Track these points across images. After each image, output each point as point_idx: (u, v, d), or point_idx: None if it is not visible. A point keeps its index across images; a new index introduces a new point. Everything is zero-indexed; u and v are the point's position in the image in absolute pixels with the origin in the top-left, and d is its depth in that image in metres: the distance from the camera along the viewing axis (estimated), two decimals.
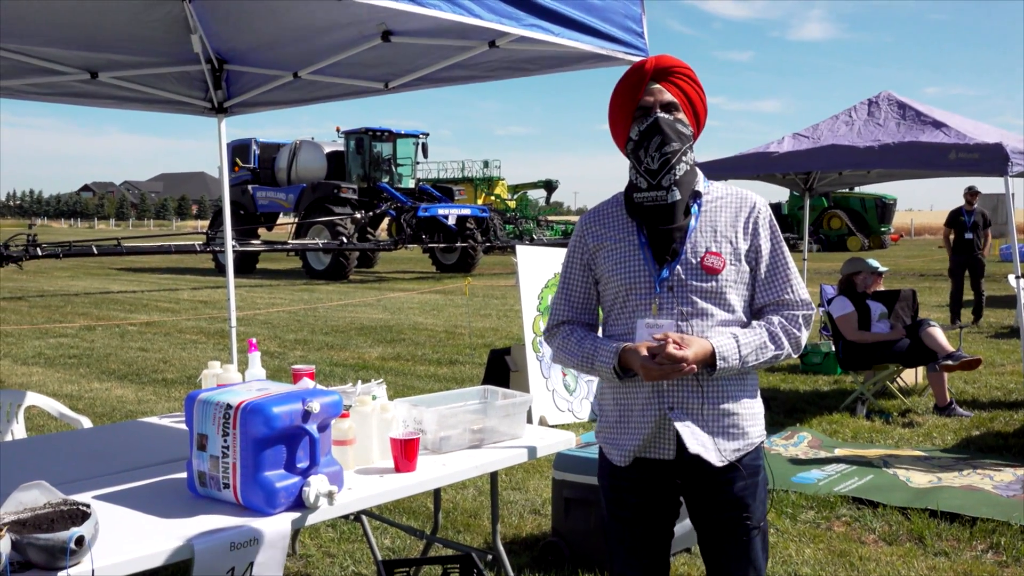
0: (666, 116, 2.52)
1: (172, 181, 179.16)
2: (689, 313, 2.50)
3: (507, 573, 3.70)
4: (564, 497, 4.47)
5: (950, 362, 7.48)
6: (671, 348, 2.39)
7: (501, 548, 3.71)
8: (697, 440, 2.50)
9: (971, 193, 13.12)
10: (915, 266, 28.05)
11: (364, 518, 4.27)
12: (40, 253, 19.86)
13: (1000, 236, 27.44)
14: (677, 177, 2.53)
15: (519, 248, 8.04)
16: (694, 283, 2.51)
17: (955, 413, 7.67)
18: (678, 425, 2.49)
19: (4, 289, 21.04)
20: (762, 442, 2.63)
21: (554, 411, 7.56)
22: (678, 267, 2.51)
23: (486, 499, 5.44)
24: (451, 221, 25.88)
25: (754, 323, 2.56)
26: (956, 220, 13.25)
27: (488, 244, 27.58)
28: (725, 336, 2.49)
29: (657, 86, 2.56)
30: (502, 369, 8.06)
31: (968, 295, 13.51)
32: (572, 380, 7.78)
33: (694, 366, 2.41)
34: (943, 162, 7.37)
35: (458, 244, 26.33)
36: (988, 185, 13.34)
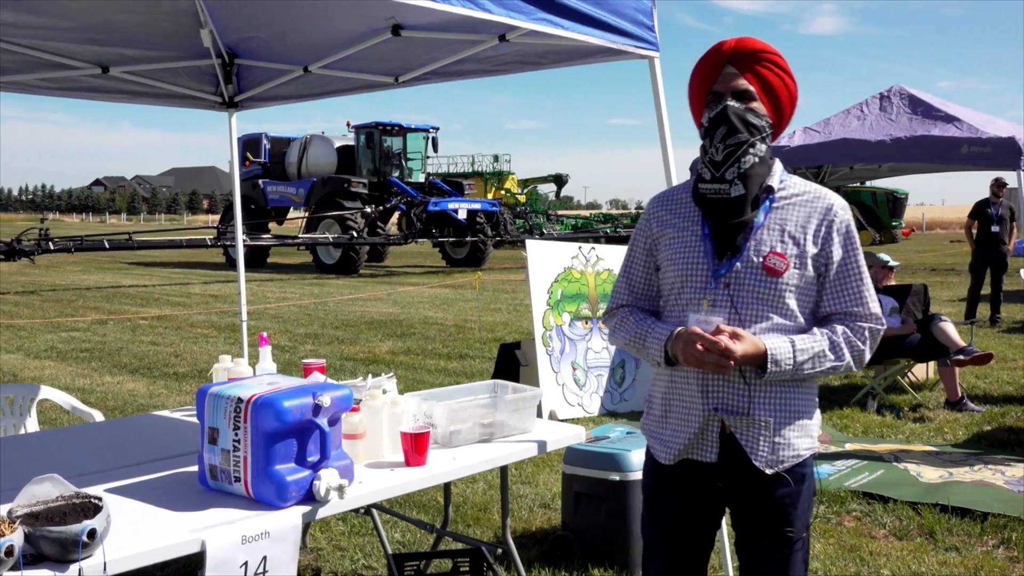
0: (736, 105, 2.39)
1: (183, 175, 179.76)
2: (744, 314, 2.37)
3: (517, 567, 3.70)
4: (574, 491, 4.47)
5: (961, 357, 7.45)
6: (722, 338, 2.29)
7: (511, 542, 3.72)
8: (726, 449, 2.41)
9: (998, 185, 12.52)
10: (927, 261, 27.94)
11: (374, 512, 4.28)
12: (52, 247, 19.99)
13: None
14: (742, 170, 2.38)
15: (529, 242, 8.03)
16: (752, 283, 2.37)
17: (966, 408, 7.65)
18: (728, 421, 2.39)
19: (17, 283, 21.14)
20: (811, 455, 2.48)
21: (564, 405, 7.56)
22: (737, 264, 2.38)
23: (496, 493, 5.44)
24: (461, 215, 25.89)
25: (815, 330, 2.41)
26: (982, 212, 12.61)
27: (498, 238, 27.57)
28: (781, 339, 2.35)
29: (732, 71, 2.42)
30: (512, 363, 8.07)
31: (985, 290, 13.02)
32: (582, 374, 7.78)
33: (732, 361, 2.30)
34: (955, 156, 7.34)
35: (468, 238, 26.35)
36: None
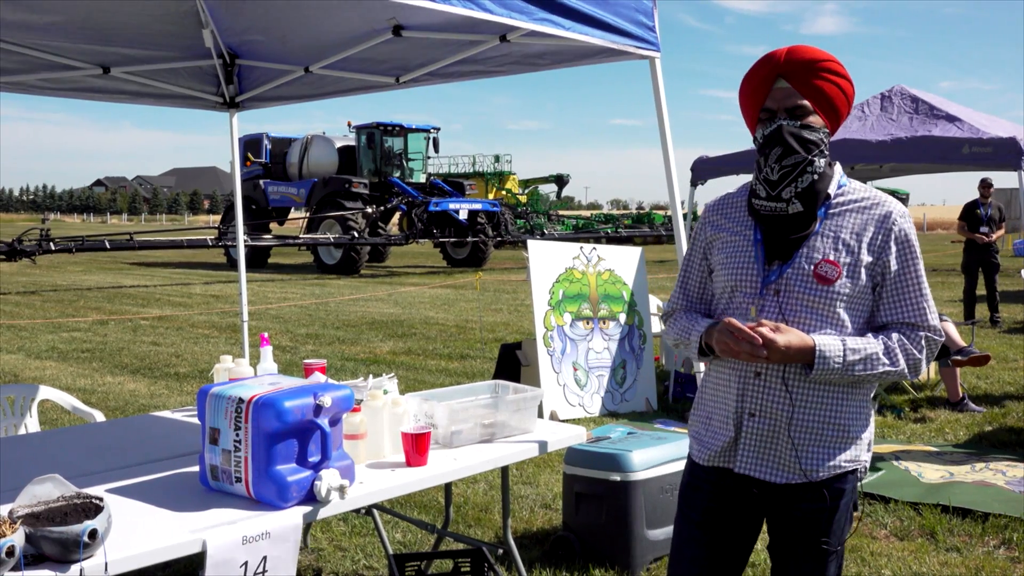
0: (790, 124, 2.30)
1: (184, 176, 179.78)
2: (792, 322, 2.29)
3: (518, 567, 3.70)
4: (575, 492, 4.47)
5: (960, 357, 7.45)
6: (762, 330, 2.21)
7: (512, 542, 3.72)
8: (758, 458, 2.35)
9: (985, 186, 12.50)
10: (927, 261, 27.82)
11: (375, 512, 4.28)
12: (53, 247, 19.98)
13: (1014, 231, 27.27)
14: (800, 189, 2.30)
15: (530, 243, 8.04)
16: (801, 291, 2.29)
17: (967, 408, 7.64)
18: (744, 439, 2.35)
19: (18, 283, 21.15)
20: (856, 470, 2.38)
21: (565, 406, 7.56)
22: (788, 271, 2.31)
23: (497, 493, 5.44)
24: (462, 216, 25.90)
25: (869, 335, 2.32)
26: (971, 213, 12.61)
27: (499, 239, 27.59)
28: (832, 336, 2.27)
29: (785, 86, 2.32)
30: (513, 364, 8.08)
31: (980, 290, 13.05)
32: (583, 375, 7.78)
33: (775, 352, 2.21)
34: (956, 156, 7.34)
35: (469, 239, 26.36)
36: (1001, 179, 13.19)
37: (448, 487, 4.15)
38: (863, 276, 2.31)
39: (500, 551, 3.90)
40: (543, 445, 3.41)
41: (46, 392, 4.75)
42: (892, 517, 5.07)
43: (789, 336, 2.23)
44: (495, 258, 29.21)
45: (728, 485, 2.43)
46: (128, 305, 16.74)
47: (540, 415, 3.63)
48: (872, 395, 2.45)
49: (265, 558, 2.46)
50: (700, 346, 2.40)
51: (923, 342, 2.33)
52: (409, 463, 3.05)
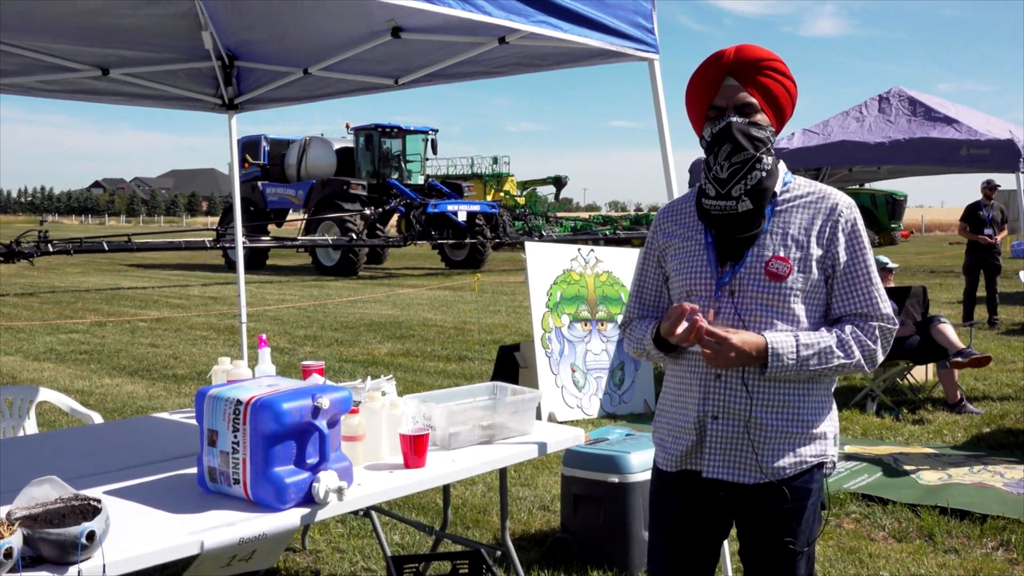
0: (739, 121, 2.33)
1: (182, 177, 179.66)
2: (748, 321, 2.32)
3: (516, 569, 3.70)
4: (573, 493, 4.47)
5: (960, 359, 7.45)
6: (716, 329, 2.25)
7: (510, 544, 3.72)
8: (724, 461, 2.36)
9: (989, 187, 12.47)
10: (926, 262, 27.95)
11: (373, 514, 4.28)
12: (51, 249, 19.95)
13: (1012, 232, 27.28)
14: (749, 186, 2.33)
15: (528, 244, 8.03)
16: (755, 289, 2.32)
17: (965, 410, 7.64)
18: (709, 443, 2.36)
19: (16, 285, 21.14)
20: (821, 464, 2.40)
21: (563, 407, 7.56)
22: (741, 271, 2.34)
23: (495, 495, 5.44)
24: (460, 217, 25.89)
25: (823, 328, 2.35)
26: (974, 215, 12.52)
27: (497, 240, 27.56)
28: (784, 333, 2.30)
29: (734, 83, 2.35)
30: (511, 365, 8.08)
31: (979, 292, 12.97)
32: (581, 376, 7.78)
33: (732, 354, 2.23)
34: (954, 158, 7.34)
35: (467, 240, 26.35)
36: (999, 181, 13.11)
37: (446, 489, 4.15)
38: (815, 270, 2.33)
39: (498, 553, 3.90)
40: (541, 447, 3.41)
41: (44, 394, 4.74)
42: (890, 519, 5.07)
43: (743, 336, 2.26)
44: (493, 260, 29.21)
45: (696, 489, 2.44)
46: (126, 307, 16.73)
47: (538, 417, 3.63)
48: (833, 389, 2.47)
49: (254, 551, 2.46)
50: (655, 339, 2.42)
51: (877, 332, 2.35)
52: (407, 465, 3.05)
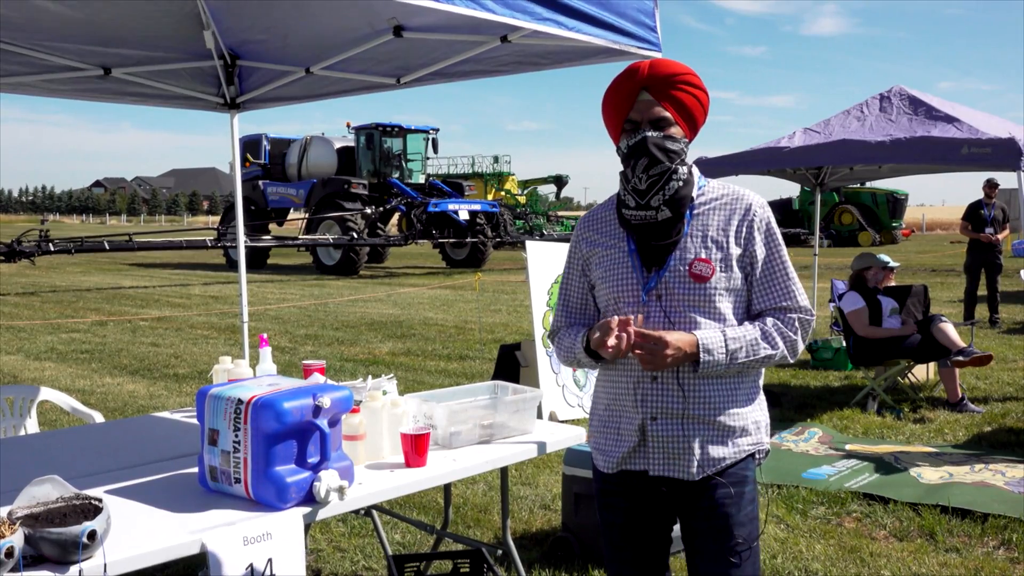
0: (654, 135, 2.40)
1: (183, 177, 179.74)
2: (676, 323, 2.40)
3: (517, 568, 3.70)
4: (574, 492, 4.47)
5: (961, 358, 7.45)
6: (650, 332, 2.33)
7: (511, 543, 3.72)
8: (667, 458, 2.44)
9: (991, 186, 12.52)
10: (926, 261, 27.94)
11: (374, 513, 4.28)
12: (52, 249, 19.99)
13: (1013, 231, 27.27)
14: (667, 196, 2.40)
15: (529, 243, 8.03)
16: (681, 292, 2.40)
17: (967, 409, 7.64)
18: (652, 443, 2.44)
19: (17, 284, 21.15)
20: (754, 453, 2.51)
21: (564, 406, 7.57)
22: (666, 274, 2.42)
23: (496, 494, 5.44)
24: (461, 216, 25.91)
25: (746, 323, 2.46)
26: (975, 214, 12.55)
27: (498, 240, 27.59)
28: (712, 330, 2.39)
29: (648, 98, 2.42)
30: (512, 364, 8.07)
31: (980, 291, 12.97)
32: (582, 375, 7.78)
33: (667, 354, 2.31)
34: (955, 157, 7.32)
35: (468, 239, 26.37)
36: (1000, 180, 13.10)
37: (447, 488, 4.15)
38: (736, 269, 2.43)
39: (499, 552, 3.90)
40: (542, 446, 3.41)
41: (45, 393, 4.74)
42: (891, 518, 5.07)
43: (675, 336, 2.34)
44: (494, 259, 29.22)
45: (638, 486, 2.52)
46: (127, 306, 16.74)
47: (539, 416, 3.63)
48: (761, 382, 2.57)
49: (271, 561, 2.46)
50: (586, 348, 2.49)
51: (796, 323, 2.46)
52: (408, 464, 3.05)
